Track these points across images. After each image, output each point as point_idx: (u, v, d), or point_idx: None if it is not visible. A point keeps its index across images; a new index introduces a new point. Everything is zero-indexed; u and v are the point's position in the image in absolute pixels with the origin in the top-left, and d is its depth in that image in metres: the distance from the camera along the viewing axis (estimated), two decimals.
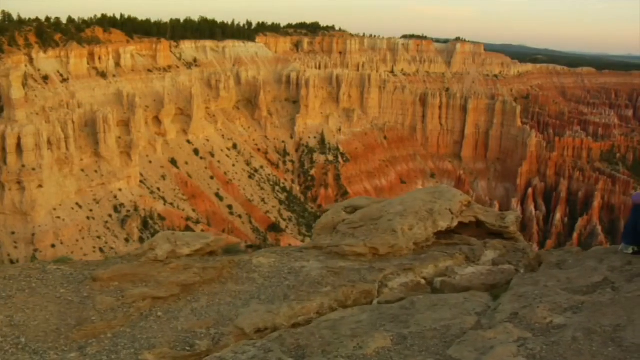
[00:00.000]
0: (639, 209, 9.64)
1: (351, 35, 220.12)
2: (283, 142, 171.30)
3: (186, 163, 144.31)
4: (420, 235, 11.96)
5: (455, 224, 12.99)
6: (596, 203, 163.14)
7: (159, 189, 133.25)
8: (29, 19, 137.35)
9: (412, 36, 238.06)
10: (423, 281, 10.18)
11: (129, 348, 7.32)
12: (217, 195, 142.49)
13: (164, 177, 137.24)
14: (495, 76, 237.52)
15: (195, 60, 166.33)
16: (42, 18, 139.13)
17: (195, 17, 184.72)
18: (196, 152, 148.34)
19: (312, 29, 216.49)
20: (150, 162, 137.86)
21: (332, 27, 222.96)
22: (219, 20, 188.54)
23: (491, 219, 13.70)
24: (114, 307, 8.24)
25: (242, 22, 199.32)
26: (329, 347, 6.83)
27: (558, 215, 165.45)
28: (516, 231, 13.53)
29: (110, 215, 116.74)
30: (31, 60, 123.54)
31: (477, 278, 10.09)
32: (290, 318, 8.16)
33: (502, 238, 13.17)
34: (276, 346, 6.90)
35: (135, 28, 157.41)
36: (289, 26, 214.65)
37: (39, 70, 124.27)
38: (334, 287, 9.25)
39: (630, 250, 9.71)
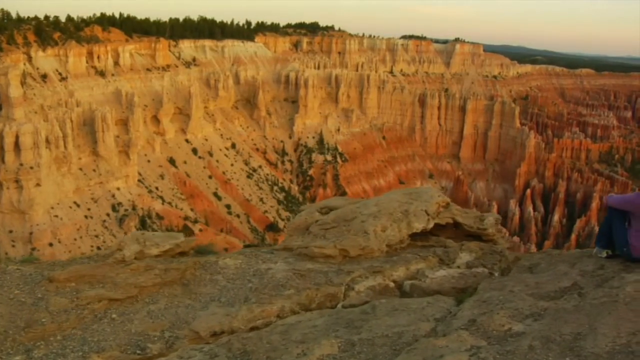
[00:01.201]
0: (614, 211, 9.22)
1: (350, 35, 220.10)
2: (282, 141, 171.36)
3: (184, 162, 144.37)
4: (393, 237, 11.69)
5: (431, 225, 12.69)
6: (594, 204, 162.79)
7: (157, 188, 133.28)
8: (28, 17, 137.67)
9: (411, 36, 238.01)
10: (392, 284, 9.86)
11: (77, 351, 7.15)
12: (215, 194, 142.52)
13: (162, 177, 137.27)
14: (495, 77, 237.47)
15: (194, 59, 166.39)
16: (41, 16, 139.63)
17: (195, 17, 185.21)
18: (195, 151, 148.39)
19: (312, 29, 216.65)
20: (149, 161, 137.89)
21: (332, 27, 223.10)
22: (218, 19, 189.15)
23: (469, 220, 13.37)
24: (67, 309, 8.08)
25: (242, 22, 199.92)
26: (274, 354, 6.69)
27: (556, 217, 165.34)
28: (495, 233, 13.13)
29: (108, 214, 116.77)
30: (30, 58, 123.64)
31: (447, 281, 9.75)
32: (249, 321, 7.95)
33: (481, 240, 12.90)
34: (223, 351, 6.77)
35: (134, 27, 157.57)
36: (288, 26, 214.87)
37: (37, 68, 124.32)
38: (298, 290, 9.03)
39: (604, 254, 9.37)
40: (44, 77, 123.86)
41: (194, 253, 11.50)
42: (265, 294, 8.85)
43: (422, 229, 12.42)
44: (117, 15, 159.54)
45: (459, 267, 10.73)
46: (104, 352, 7.09)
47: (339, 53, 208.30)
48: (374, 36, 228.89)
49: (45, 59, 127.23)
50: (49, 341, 7.36)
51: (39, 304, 8.21)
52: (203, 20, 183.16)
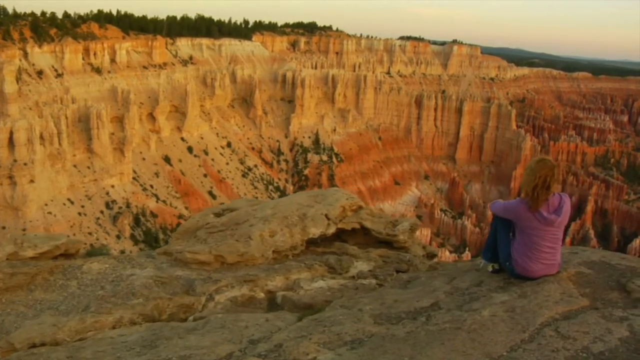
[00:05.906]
0: (499, 220, 7.88)
1: (348, 35, 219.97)
2: (277, 141, 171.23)
3: (180, 160, 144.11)
4: (283, 243, 10.74)
5: (331, 230, 11.74)
6: (589, 208, 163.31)
7: (151, 186, 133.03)
8: (24, 13, 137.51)
9: (409, 38, 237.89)
10: (262, 295, 8.90)
11: None
12: (210, 193, 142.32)
13: (157, 174, 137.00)
14: (492, 79, 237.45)
15: (191, 57, 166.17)
16: (38, 12, 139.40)
17: (192, 15, 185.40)
18: (190, 149, 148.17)
19: (309, 28, 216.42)
20: (144, 159, 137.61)
21: (329, 27, 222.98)
22: (215, 18, 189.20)
23: (379, 226, 12.43)
24: None
25: (239, 21, 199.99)
26: None
27: None
28: (407, 240, 12.17)
29: (102, 212, 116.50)
30: (26, 54, 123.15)
31: (322, 294, 8.66)
32: (77, 333, 7.20)
33: (393, 248, 11.98)
34: None
35: (131, 24, 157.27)
36: (286, 25, 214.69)
37: (33, 64, 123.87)
38: (147, 299, 8.19)
39: (489, 268, 8.12)
40: (40, 73, 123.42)
41: (85, 255, 10.68)
42: (109, 303, 8.04)
43: (320, 235, 11.51)
44: (114, 12, 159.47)
45: (353, 277, 9.73)
46: None
47: (337, 53, 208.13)
48: (372, 37, 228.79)
49: (41, 55, 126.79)
50: None
51: None
52: (200, 19, 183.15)
